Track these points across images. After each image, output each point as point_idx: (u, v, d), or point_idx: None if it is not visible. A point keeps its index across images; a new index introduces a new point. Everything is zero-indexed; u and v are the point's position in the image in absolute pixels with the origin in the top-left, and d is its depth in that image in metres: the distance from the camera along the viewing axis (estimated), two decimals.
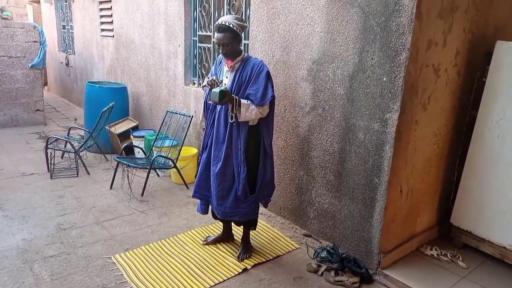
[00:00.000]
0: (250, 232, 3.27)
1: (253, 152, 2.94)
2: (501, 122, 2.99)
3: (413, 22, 2.52)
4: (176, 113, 4.78)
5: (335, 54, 3.06)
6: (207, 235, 3.49)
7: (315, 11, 3.15)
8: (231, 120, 2.83)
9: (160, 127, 4.83)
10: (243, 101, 2.79)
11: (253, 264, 3.10)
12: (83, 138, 5.43)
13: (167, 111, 4.88)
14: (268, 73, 2.84)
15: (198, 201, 3.24)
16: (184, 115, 4.67)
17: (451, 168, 3.46)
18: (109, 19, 6.70)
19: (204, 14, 4.71)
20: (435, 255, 3.25)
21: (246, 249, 3.22)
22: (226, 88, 2.77)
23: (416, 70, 2.71)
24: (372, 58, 2.80)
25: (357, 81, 2.93)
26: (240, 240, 3.32)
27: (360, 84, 2.91)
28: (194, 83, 5.03)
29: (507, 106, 2.95)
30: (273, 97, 2.87)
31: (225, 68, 2.95)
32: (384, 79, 2.74)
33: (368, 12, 2.77)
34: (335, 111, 3.14)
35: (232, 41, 2.78)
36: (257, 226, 3.29)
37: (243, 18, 2.74)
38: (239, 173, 2.92)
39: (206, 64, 4.84)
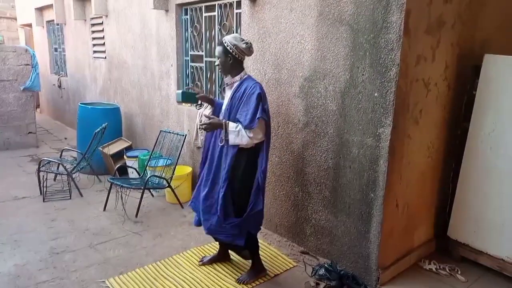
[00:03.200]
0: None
1: (242, 175, 2.84)
2: (493, 134, 3.02)
3: (401, 38, 2.57)
4: (169, 132, 4.77)
5: (326, 71, 3.09)
6: (203, 255, 3.43)
7: (305, 29, 3.19)
8: (220, 143, 2.83)
9: (154, 146, 4.82)
10: (231, 125, 2.76)
11: (252, 286, 3.04)
12: (75, 160, 5.39)
13: (161, 131, 4.87)
14: (259, 95, 2.73)
15: (195, 214, 3.21)
16: (177, 134, 4.67)
17: (446, 180, 3.46)
18: (101, 41, 6.74)
19: (196, 34, 4.76)
20: (433, 269, 3.23)
21: (248, 274, 3.13)
22: (189, 89, 2.83)
23: (407, 85, 2.74)
24: (363, 74, 2.83)
25: (349, 97, 2.95)
26: (236, 260, 3.26)
27: (352, 99, 2.93)
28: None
29: (498, 118, 2.99)
30: (265, 121, 2.79)
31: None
32: (376, 94, 2.77)
33: (357, 29, 2.81)
34: (328, 127, 3.15)
35: (223, 56, 2.82)
36: None
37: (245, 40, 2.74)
38: (218, 192, 2.88)
39: (198, 83, 4.87)
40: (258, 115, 2.70)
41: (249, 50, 2.87)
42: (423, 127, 3.03)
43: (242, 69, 2.91)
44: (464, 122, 3.30)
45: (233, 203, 2.87)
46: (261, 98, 2.76)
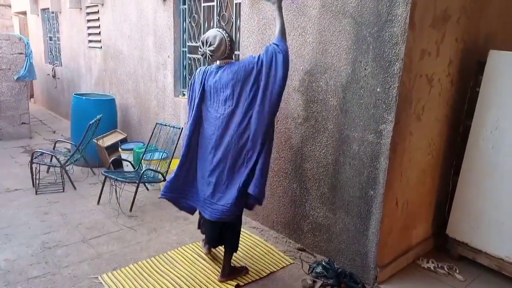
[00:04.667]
0: (243, 249, 3.13)
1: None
2: (495, 132, 2.96)
3: (406, 32, 2.49)
4: (165, 125, 4.69)
5: (327, 65, 3.01)
6: (199, 251, 3.37)
7: (307, 21, 3.10)
8: None
9: (150, 139, 4.73)
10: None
11: (246, 282, 2.99)
12: (69, 152, 5.29)
13: (157, 123, 4.78)
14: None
15: (189, 215, 3.12)
16: (173, 127, 4.58)
17: (446, 178, 3.41)
18: (97, 30, 6.61)
19: (194, 25, 4.65)
20: (432, 268, 3.19)
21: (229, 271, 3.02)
22: None
23: (410, 80, 2.67)
24: (365, 69, 2.76)
25: (350, 91, 2.88)
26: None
27: (353, 94, 2.86)
28: (184, 95, 4.95)
29: (501, 116, 2.93)
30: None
31: None
32: (378, 89, 2.70)
33: (360, 22, 2.73)
34: (328, 122, 3.08)
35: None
36: (250, 240, 3.17)
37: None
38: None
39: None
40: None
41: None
42: (425, 124, 2.97)
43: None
44: (466, 119, 3.24)
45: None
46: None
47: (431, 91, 2.91)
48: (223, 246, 3.04)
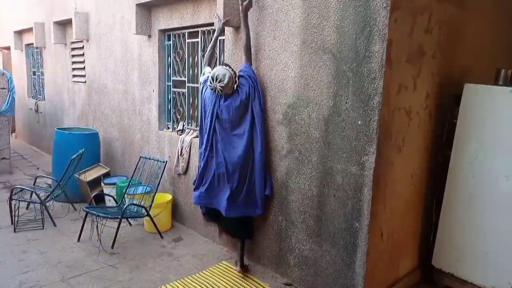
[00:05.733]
0: (228, 284, 3.11)
1: None
2: (475, 162, 3.03)
3: (383, 67, 2.58)
4: (149, 159, 4.65)
5: (309, 98, 3.08)
6: None
7: (288, 57, 3.20)
8: None
9: (133, 173, 4.68)
10: None
11: None
12: (50, 187, 5.17)
13: (141, 157, 4.75)
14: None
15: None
16: (158, 160, 4.55)
17: (430, 209, 3.45)
18: (81, 65, 6.65)
19: (179, 60, 4.73)
20: None
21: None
22: None
23: (389, 114, 2.75)
24: (346, 102, 2.83)
25: (332, 124, 2.94)
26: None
27: (335, 127, 2.92)
28: (168, 128, 4.96)
29: (479, 147, 3.01)
30: None
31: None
32: (359, 122, 2.76)
33: (340, 58, 2.83)
34: (312, 155, 3.11)
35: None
36: (235, 276, 3.14)
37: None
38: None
39: (180, 109, 4.80)
40: None
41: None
42: (406, 155, 3.03)
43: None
44: (445, 150, 3.32)
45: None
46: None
47: (410, 123, 2.99)
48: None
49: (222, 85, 3.18)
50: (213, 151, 3.43)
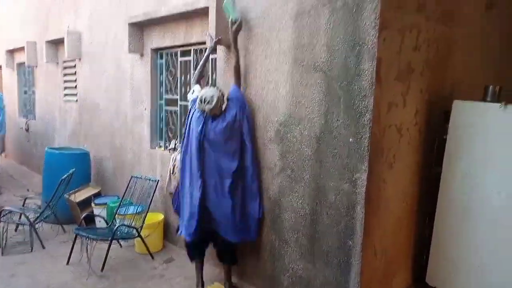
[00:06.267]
0: None
1: None
2: (466, 178, 3.04)
3: (373, 85, 2.61)
4: (141, 178, 4.61)
5: (301, 116, 3.09)
6: None
7: (280, 75, 3.22)
8: None
9: (124, 193, 4.62)
10: None
11: None
12: (39, 208, 5.09)
13: (132, 176, 4.70)
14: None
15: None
16: (149, 179, 4.51)
17: (422, 225, 3.44)
18: (73, 84, 6.64)
19: (171, 78, 4.74)
20: None
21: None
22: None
23: (380, 131, 2.76)
24: (337, 120, 2.84)
25: (324, 142, 2.94)
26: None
27: (327, 145, 2.92)
28: (160, 146, 4.93)
29: (470, 163, 3.03)
30: None
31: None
32: (351, 139, 2.77)
33: (330, 76, 2.86)
34: (305, 172, 3.10)
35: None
36: None
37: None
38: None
39: (173, 127, 4.79)
40: None
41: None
42: (397, 172, 3.03)
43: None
44: (436, 166, 3.33)
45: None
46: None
47: (401, 140, 3.00)
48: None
49: (210, 107, 3.21)
50: (197, 173, 3.32)
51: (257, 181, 3.39)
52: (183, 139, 3.55)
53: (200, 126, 3.32)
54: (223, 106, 3.30)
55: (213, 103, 3.20)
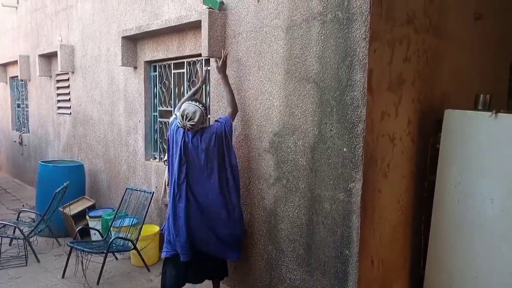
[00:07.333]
0: None
1: None
2: (459, 186, 3.07)
3: (365, 95, 2.65)
4: (136, 190, 4.59)
5: (295, 126, 3.12)
6: None
7: (273, 86, 3.25)
8: None
9: (119, 205, 4.60)
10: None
11: None
12: (34, 221, 5.04)
13: (127, 188, 4.69)
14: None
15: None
16: (144, 191, 4.50)
17: (418, 234, 3.45)
18: (67, 97, 6.63)
19: (164, 90, 4.76)
20: None
21: None
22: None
23: (373, 140, 2.79)
24: (331, 130, 2.87)
25: (318, 152, 2.97)
26: None
27: (321, 154, 2.95)
28: (155, 158, 4.93)
29: (463, 171, 3.06)
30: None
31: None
32: (345, 149, 2.80)
33: (323, 87, 2.89)
34: (300, 182, 3.12)
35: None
36: None
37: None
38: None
39: (167, 139, 4.79)
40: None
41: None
42: (392, 181, 3.06)
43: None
44: (430, 174, 3.36)
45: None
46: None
47: (394, 149, 3.04)
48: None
49: (193, 123, 3.10)
50: (183, 192, 3.22)
51: (238, 204, 3.33)
52: (169, 158, 3.45)
53: (181, 142, 3.20)
54: (207, 122, 3.25)
55: (196, 119, 3.10)
